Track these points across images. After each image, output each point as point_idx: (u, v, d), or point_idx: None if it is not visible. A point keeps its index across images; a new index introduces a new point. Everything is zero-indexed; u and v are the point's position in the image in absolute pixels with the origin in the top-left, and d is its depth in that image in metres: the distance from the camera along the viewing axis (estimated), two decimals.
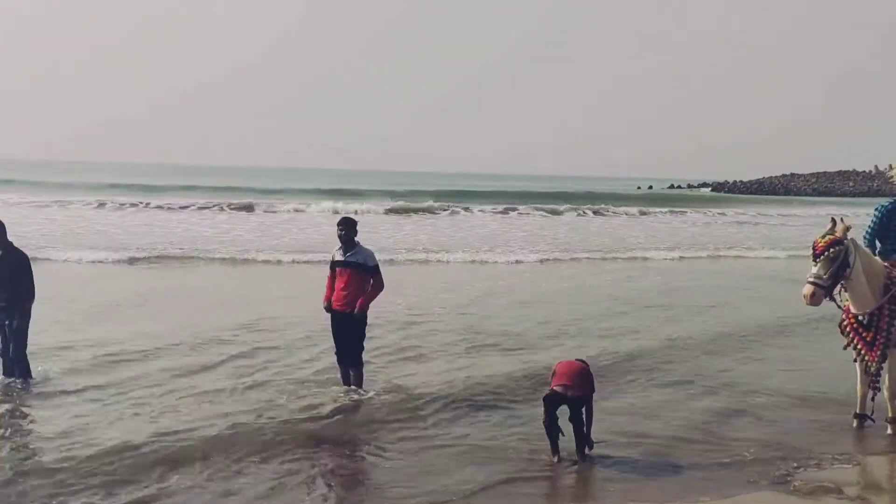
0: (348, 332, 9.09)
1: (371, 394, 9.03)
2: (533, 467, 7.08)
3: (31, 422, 8.18)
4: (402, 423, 8.20)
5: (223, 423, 7.93)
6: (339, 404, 8.67)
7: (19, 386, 9.10)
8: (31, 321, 9.33)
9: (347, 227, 9.10)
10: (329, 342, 9.54)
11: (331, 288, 9.20)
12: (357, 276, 9.06)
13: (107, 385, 9.18)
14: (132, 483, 6.53)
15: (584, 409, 7.18)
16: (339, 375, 9.31)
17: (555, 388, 7.16)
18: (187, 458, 7.06)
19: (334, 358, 9.36)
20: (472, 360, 10.81)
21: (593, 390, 7.40)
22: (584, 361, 7.57)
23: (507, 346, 11.77)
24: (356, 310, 9.02)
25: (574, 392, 7.10)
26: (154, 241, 24.23)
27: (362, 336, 9.18)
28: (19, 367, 9.29)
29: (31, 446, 7.45)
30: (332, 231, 9.75)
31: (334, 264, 9.20)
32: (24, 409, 8.50)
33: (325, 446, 7.61)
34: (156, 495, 6.34)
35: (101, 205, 37.34)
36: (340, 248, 9.18)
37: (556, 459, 7.16)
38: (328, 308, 9.22)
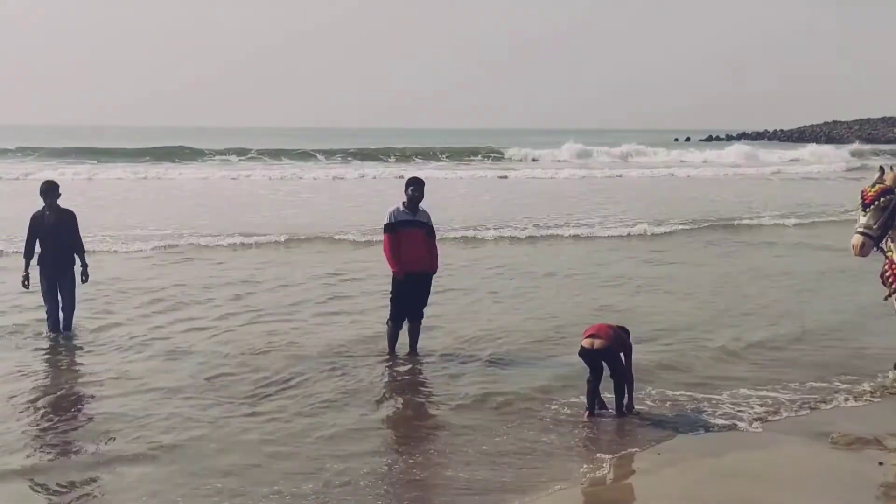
0: (422, 291, 9.04)
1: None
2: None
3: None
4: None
5: None
6: None
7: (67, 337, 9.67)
8: None
9: (420, 187, 8.97)
10: None
11: (395, 251, 8.85)
12: (423, 235, 8.99)
13: None
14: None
15: (614, 365, 7.16)
16: (386, 335, 9.18)
17: (582, 343, 7.21)
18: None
19: None
20: None
21: (629, 348, 7.36)
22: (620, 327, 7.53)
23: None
24: (434, 271, 9.13)
25: (601, 343, 7.11)
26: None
27: (430, 292, 9.21)
28: (67, 320, 9.80)
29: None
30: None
31: (399, 224, 8.85)
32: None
33: None
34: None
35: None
36: (404, 208, 8.94)
37: (586, 416, 7.20)
38: (404, 274, 8.83)
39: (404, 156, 48.68)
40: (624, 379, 7.23)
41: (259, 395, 7.74)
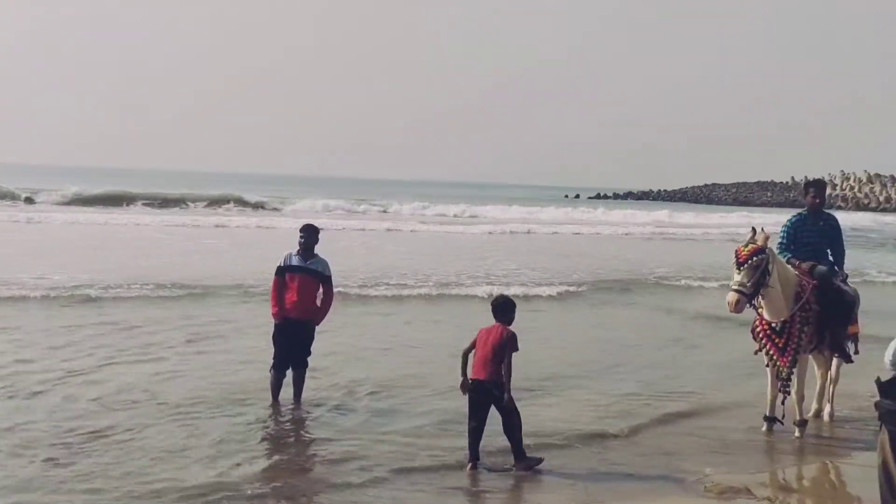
0: (299, 339, 8.91)
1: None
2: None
3: None
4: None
5: None
6: None
7: None
8: None
9: (310, 234, 9.04)
10: None
11: (279, 296, 8.93)
12: (312, 283, 8.98)
13: None
14: None
15: (502, 406, 7.08)
16: (269, 383, 8.98)
17: (472, 377, 7.12)
18: None
19: None
20: None
21: (515, 349, 7.11)
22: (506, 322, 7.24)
23: None
24: (317, 321, 9.03)
25: (489, 377, 7.04)
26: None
27: (312, 341, 9.06)
28: None
29: None
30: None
31: (287, 269, 8.95)
32: None
33: None
34: None
35: None
36: (297, 254, 9.03)
37: (469, 469, 7.11)
38: (281, 318, 8.88)
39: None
40: (514, 419, 7.12)
41: (95, 450, 7.26)
